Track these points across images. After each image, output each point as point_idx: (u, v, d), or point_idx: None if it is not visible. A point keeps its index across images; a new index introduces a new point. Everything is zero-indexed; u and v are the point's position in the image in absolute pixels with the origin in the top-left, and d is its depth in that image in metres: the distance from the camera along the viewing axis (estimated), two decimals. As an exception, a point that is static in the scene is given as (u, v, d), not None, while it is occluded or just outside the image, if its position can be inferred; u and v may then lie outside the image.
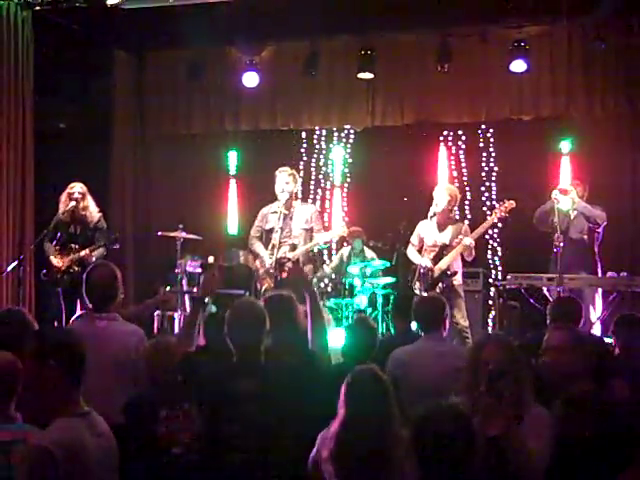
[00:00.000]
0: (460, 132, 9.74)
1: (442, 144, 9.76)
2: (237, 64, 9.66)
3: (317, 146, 10.31)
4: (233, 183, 10.38)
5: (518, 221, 8.51)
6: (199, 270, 8.54)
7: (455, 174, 9.72)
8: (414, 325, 5.63)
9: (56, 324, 6.94)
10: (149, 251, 9.94)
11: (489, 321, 8.80)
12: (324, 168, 10.27)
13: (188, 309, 8.86)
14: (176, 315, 8.31)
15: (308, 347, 4.00)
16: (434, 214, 7.51)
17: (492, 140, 9.68)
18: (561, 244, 7.25)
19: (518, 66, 8.63)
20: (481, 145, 9.72)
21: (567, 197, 7.48)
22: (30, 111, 8.35)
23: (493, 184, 9.55)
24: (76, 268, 7.06)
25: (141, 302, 8.05)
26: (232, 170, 10.38)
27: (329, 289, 8.79)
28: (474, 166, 9.72)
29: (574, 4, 8.32)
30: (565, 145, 8.38)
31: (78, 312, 6.48)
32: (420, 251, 7.66)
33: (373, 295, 8.35)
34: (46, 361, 2.75)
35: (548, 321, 5.11)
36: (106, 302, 4.35)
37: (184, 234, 8.35)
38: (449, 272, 7.34)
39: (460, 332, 7.07)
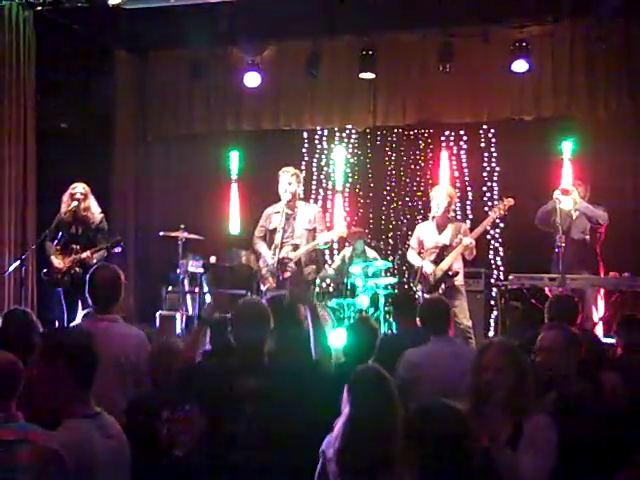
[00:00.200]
0: (462, 132, 9.73)
1: (443, 144, 9.75)
2: (239, 64, 9.66)
3: (319, 146, 10.31)
4: (234, 183, 10.38)
5: (520, 221, 8.52)
6: (201, 270, 8.55)
7: (456, 174, 9.71)
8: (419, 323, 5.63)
9: (57, 324, 6.94)
10: (151, 251, 9.93)
11: (491, 321, 8.81)
12: (326, 168, 10.27)
13: (189, 309, 8.89)
14: (177, 315, 8.31)
15: (311, 347, 4.00)
16: (434, 216, 7.52)
17: (494, 140, 9.67)
18: (563, 244, 7.24)
19: (520, 66, 8.63)
20: (482, 145, 9.71)
21: (569, 197, 7.47)
22: (32, 111, 8.36)
23: (495, 184, 9.54)
24: (77, 269, 7.05)
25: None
26: (233, 170, 10.38)
27: (331, 289, 8.79)
28: (475, 166, 9.72)
29: (576, 4, 8.32)
30: (567, 145, 8.37)
31: (79, 313, 6.47)
32: (420, 254, 7.66)
33: (375, 295, 8.35)
34: (55, 362, 2.75)
35: (545, 320, 5.10)
36: (108, 303, 4.35)
37: (186, 234, 8.35)
38: (450, 273, 7.33)
39: (463, 332, 7.06)
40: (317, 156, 10.31)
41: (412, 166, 10.01)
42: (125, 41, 9.83)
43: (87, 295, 4.36)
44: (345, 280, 8.53)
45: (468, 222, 8.33)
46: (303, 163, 10.05)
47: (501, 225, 9.44)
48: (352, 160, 10.22)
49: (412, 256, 7.73)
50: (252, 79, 9.48)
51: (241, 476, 3.25)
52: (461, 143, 9.77)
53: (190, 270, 8.71)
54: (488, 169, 9.68)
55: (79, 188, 7.36)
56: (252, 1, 8.40)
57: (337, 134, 10.21)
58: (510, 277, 7.60)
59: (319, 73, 9.37)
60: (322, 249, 7.96)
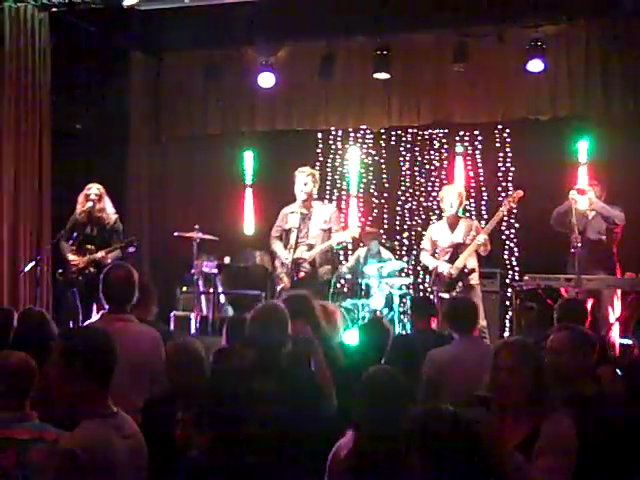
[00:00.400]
0: (476, 132, 9.69)
1: (458, 144, 9.71)
2: (253, 65, 9.66)
3: (333, 147, 10.30)
4: (249, 184, 10.38)
5: (535, 221, 8.49)
6: (215, 271, 8.56)
7: (471, 174, 9.68)
8: (434, 324, 5.62)
9: (73, 325, 6.96)
10: (165, 252, 9.95)
11: (506, 322, 8.77)
12: (340, 169, 10.26)
13: (204, 310, 8.90)
14: (192, 315, 8.32)
15: (328, 347, 4.00)
16: (448, 216, 7.54)
17: (509, 140, 9.63)
18: (579, 245, 7.20)
19: (535, 66, 8.58)
20: (497, 145, 9.67)
21: (585, 197, 7.43)
22: (47, 112, 8.39)
23: (509, 184, 9.49)
24: (92, 269, 7.08)
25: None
26: (248, 171, 10.38)
27: (345, 289, 8.78)
28: (490, 166, 9.68)
29: (591, 3, 8.27)
30: (583, 145, 8.32)
31: (94, 313, 6.49)
32: (434, 255, 7.65)
33: (389, 296, 8.33)
34: (73, 364, 2.77)
35: (555, 322, 5.09)
36: (123, 303, 4.35)
37: (200, 234, 8.35)
38: (466, 270, 7.34)
39: (479, 332, 7.03)
40: (331, 156, 10.29)
41: (426, 166, 9.99)
42: (140, 42, 9.86)
43: (101, 295, 4.36)
44: (359, 280, 8.52)
45: (483, 222, 8.30)
46: (317, 164, 10.04)
47: (516, 225, 9.41)
48: (366, 160, 10.20)
49: (426, 258, 7.73)
50: (266, 80, 9.48)
51: (255, 477, 3.25)
52: (476, 143, 9.73)
53: (204, 271, 8.72)
54: (503, 169, 9.64)
55: (94, 189, 7.39)
56: (266, 2, 8.40)
57: (351, 134, 10.18)
58: (525, 277, 7.56)
59: (333, 73, 9.36)
60: (336, 249, 7.95)
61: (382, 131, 9.97)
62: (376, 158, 10.19)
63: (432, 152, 9.96)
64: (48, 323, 4.11)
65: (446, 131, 9.85)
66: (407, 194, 10.04)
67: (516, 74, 8.86)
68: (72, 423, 2.76)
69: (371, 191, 10.18)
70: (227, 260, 8.85)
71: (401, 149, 10.08)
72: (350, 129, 10.10)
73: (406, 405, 3.13)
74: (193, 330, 8.16)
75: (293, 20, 8.78)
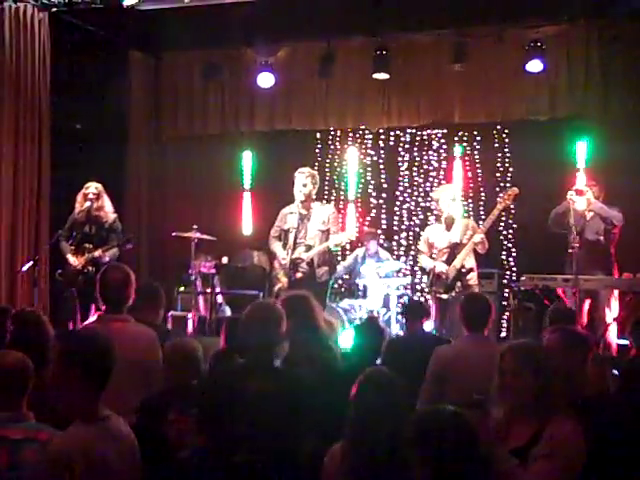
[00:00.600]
0: (475, 132, 9.70)
1: (457, 144, 9.72)
2: (252, 65, 9.67)
3: (332, 147, 10.30)
4: (247, 184, 10.39)
5: (533, 222, 8.49)
6: (213, 271, 8.56)
7: (470, 174, 9.68)
8: (428, 325, 5.64)
9: (71, 325, 6.96)
10: (164, 252, 9.96)
11: (503, 322, 8.77)
12: (339, 169, 10.26)
13: (202, 310, 8.91)
14: (190, 315, 8.33)
15: (325, 347, 4.01)
16: (445, 217, 7.55)
17: (507, 140, 9.63)
18: (577, 245, 7.20)
19: (534, 66, 8.59)
20: (496, 145, 9.67)
21: (583, 198, 7.42)
22: (46, 111, 8.41)
23: (508, 185, 9.49)
24: (90, 268, 7.09)
25: None
26: (246, 171, 10.39)
27: (343, 290, 8.79)
28: (489, 167, 9.68)
29: (591, 4, 8.27)
30: (581, 146, 8.33)
31: (92, 313, 6.49)
32: (431, 256, 7.66)
33: (387, 296, 8.34)
34: (72, 367, 2.79)
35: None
36: (120, 304, 4.35)
37: (198, 234, 8.36)
38: (464, 270, 7.35)
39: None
40: (330, 156, 10.30)
41: (425, 166, 9.99)
42: (139, 42, 9.87)
43: (98, 296, 4.37)
44: (357, 281, 8.53)
45: (480, 223, 8.30)
46: (316, 164, 10.04)
47: (514, 226, 9.41)
48: (365, 160, 10.20)
49: (424, 260, 7.74)
50: (266, 80, 9.49)
51: (248, 476, 3.25)
52: (475, 143, 9.73)
53: (202, 271, 8.73)
54: (502, 169, 9.64)
55: (92, 188, 7.41)
56: (266, 2, 8.41)
57: (350, 135, 10.19)
58: (523, 278, 7.56)
59: (333, 74, 9.36)
60: (334, 251, 7.96)
61: (381, 131, 9.98)
62: (375, 158, 10.20)
63: (431, 152, 9.96)
64: (43, 323, 4.11)
65: (445, 131, 9.86)
66: (405, 194, 10.05)
67: (515, 74, 8.87)
68: (64, 423, 2.77)
69: (369, 191, 10.18)
70: (225, 260, 8.85)
71: (400, 149, 10.09)
72: (349, 129, 10.10)
73: (401, 406, 3.14)
74: (190, 330, 8.17)
75: (292, 20, 8.78)
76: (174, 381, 3.94)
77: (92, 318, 4.94)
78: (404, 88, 9.43)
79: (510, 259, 9.48)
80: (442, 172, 9.86)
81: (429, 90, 9.38)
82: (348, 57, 9.52)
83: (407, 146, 10.07)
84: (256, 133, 10.18)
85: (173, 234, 8.56)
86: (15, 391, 3.18)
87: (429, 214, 9.73)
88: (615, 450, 3.31)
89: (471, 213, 9.27)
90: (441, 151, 9.93)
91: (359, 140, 10.19)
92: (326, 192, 10.13)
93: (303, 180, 7.39)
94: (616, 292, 7.39)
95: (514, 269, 9.35)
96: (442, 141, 9.91)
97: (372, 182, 10.19)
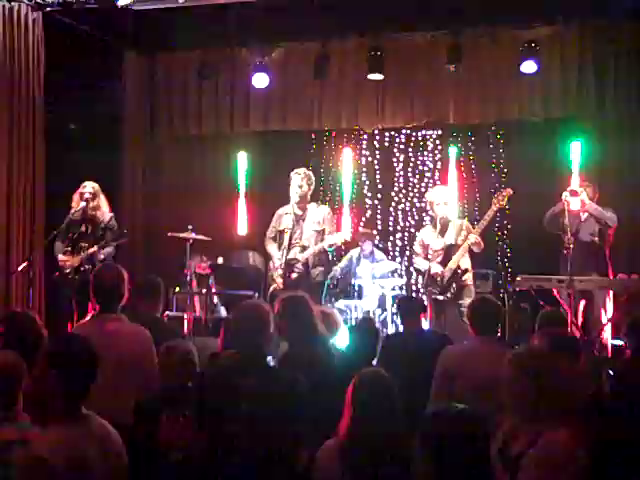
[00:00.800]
0: (470, 133, 9.70)
1: (452, 145, 9.71)
2: (247, 65, 9.66)
3: (326, 147, 10.29)
4: (242, 184, 10.36)
5: (528, 222, 8.50)
6: (208, 271, 8.55)
7: (464, 175, 9.68)
8: (425, 324, 5.64)
9: (69, 326, 6.94)
10: (159, 252, 9.94)
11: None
12: (333, 169, 10.25)
13: (197, 310, 8.89)
14: (185, 316, 8.31)
15: (323, 348, 4.01)
16: (441, 218, 7.55)
17: (502, 141, 9.64)
18: (571, 246, 7.21)
19: (529, 67, 8.58)
20: (491, 146, 9.68)
21: (577, 199, 7.44)
22: (40, 112, 8.38)
23: (503, 185, 9.49)
24: (86, 266, 7.09)
25: None
26: (241, 171, 10.36)
27: (338, 290, 8.78)
28: (484, 167, 9.69)
29: (585, 5, 8.28)
30: (576, 146, 8.34)
31: (89, 313, 6.48)
32: (426, 257, 7.66)
33: (382, 296, 8.34)
34: (49, 369, 2.80)
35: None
36: (113, 303, 4.36)
37: (193, 235, 8.35)
38: (460, 271, 7.36)
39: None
40: (325, 157, 10.29)
41: (420, 167, 10.00)
42: (134, 42, 9.84)
43: (92, 295, 4.37)
44: (352, 281, 8.52)
45: (476, 223, 8.31)
46: (310, 164, 10.02)
47: (509, 226, 9.42)
48: (360, 161, 10.20)
49: (419, 261, 7.76)
50: (260, 80, 9.47)
51: (240, 476, 3.25)
52: (469, 144, 9.73)
53: (198, 271, 8.71)
54: (496, 170, 9.65)
55: (88, 187, 7.42)
56: (260, 2, 8.40)
57: (345, 135, 10.18)
58: (518, 279, 7.57)
59: (327, 74, 9.35)
60: (329, 252, 7.96)
61: (376, 132, 9.97)
62: (370, 159, 10.20)
63: (425, 153, 9.97)
64: (36, 324, 4.10)
65: (440, 132, 9.87)
66: (400, 195, 10.05)
67: (510, 75, 8.87)
68: (43, 425, 2.79)
69: (364, 192, 10.18)
70: (220, 261, 8.84)
71: (395, 150, 10.09)
72: (344, 129, 10.09)
73: (395, 407, 3.15)
74: (186, 331, 8.15)
75: (287, 20, 8.77)
76: (168, 382, 3.93)
77: (87, 318, 4.95)
78: (399, 89, 9.42)
79: (505, 260, 9.48)
80: (437, 173, 9.86)
81: (424, 91, 9.36)
82: (343, 58, 9.50)
83: (402, 147, 10.07)
84: (251, 133, 10.16)
85: (168, 234, 8.54)
86: (7, 391, 3.17)
87: (424, 215, 9.73)
88: (612, 451, 3.31)
89: (466, 214, 9.28)
90: (436, 152, 9.94)
91: (354, 140, 10.19)
92: (321, 193, 10.13)
93: (299, 181, 7.41)
94: (611, 293, 7.41)
95: (509, 270, 9.36)
96: (437, 142, 9.92)
97: (367, 183, 10.19)
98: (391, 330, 8.10)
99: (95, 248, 7.12)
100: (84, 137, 9.35)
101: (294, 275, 7.26)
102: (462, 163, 9.67)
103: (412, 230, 9.66)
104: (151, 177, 10.39)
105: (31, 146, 8.24)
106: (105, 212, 7.43)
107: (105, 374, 3.97)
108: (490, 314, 4.75)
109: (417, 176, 10.01)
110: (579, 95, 8.76)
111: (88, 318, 4.53)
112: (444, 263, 7.42)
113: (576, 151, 8.32)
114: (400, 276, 9.04)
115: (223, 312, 8.96)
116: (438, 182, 9.56)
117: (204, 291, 8.71)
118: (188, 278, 8.55)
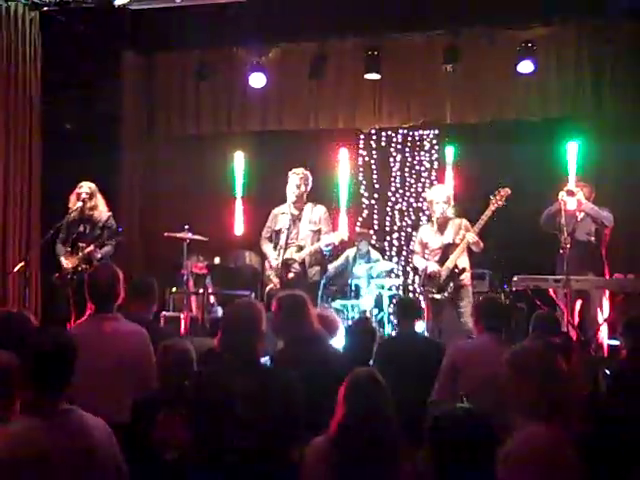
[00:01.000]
0: (467, 133, 9.70)
1: (448, 145, 9.72)
2: (244, 65, 9.66)
3: (323, 147, 10.28)
4: (239, 184, 10.37)
5: (525, 222, 8.50)
6: (205, 271, 8.55)
7: (462, 175, 9.68)
8: (420, 326, 5.65)
9: (67, 326, 6.94)
10: (156, 252, 9.94)
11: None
12: (330, 169, 10.23)
13: (194, 310, 8.89)
14: (182, 316, 8.31)
15: (319, 348, 4.01)
16: (438, 217, 7.55)
17: (499, 141, 9.63)
18: (568, 246, 7.21)
19: (526, 67, 8.59)
20: (488, 146, 9.66)
21: (574, 198, 7.44)
22: (37, 112, 8.38)
23: (500, 185, 9.48)
24: (84, 266, 7.08)
25: None
26: (238, 171, 10.37)
27: (335, 290, 8.79)
28: (481, 167, 9.68)
29: (582, 5, 8.29)
30: (573, 146, 8.34)
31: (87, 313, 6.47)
32: (424, 256, 7.66)
33: (379, 296, 8.34)
34: (24, 361, 2.88)
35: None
36: (109, 303, 4.36)
37: (190, 235, 8.35)
38: (457, 270, 7.36)
39: (468, 333, 7.03)
40: (322, 157, 10.28)
41: (417, 167, 10.00)
42: (131, 42, 9.83)
43: (87, 295, 4.37)
44: (349, 281, 8.53)
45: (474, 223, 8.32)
46: (307, 164, 10.01)
47: (506, 226, 9.40)
48: (357, 161, 10.20)
49: (417, 260, 7.76)
50: (257, 80, 9.47)
51: (235, 476, 3.25)
52: (466, 144, 9.73)
53: (194, 271, 8.71)
54: (493, 170, 9.62)
55: (85, 188, 7.42)
56: (258, 2, 8.40)
57: (342, 135, 10.18)
58: (514, 278, 7.57)
59: (324, 74, 9.36)
60: (326, 252, 7.96)
61: (373, 132, 9.98)
62: (366, 159, 10.20)
63: (422, 153, 9.98)
64: (30, 324, 4.10)
65: (436, 132, 9.87)
66: (397, 195, 10.06)
67: (507, 75, 8.87)
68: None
69: (361, 191, 10.19)
70: (217, 261, 8.84)
71: (391, 150, 10.10)
72: (341, 129, 10.08)
73: (387, 407, 3.16)
74: (183, 331, 8.16)
75: (284, 20, 8.78)
76: (165, 382, 3.93)
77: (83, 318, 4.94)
78: (396, 89, 9.42)
79: (502, 260, 9.47)
80: (434, 173, 9.87)
81: (421, 91, 9.37)
82: (340, 58, 9.50)
83: (399, 147, 10.09)
84: (248, 133, 10.16)
85: (165, 234, 8.54)
86: (2, 391, 3.16)
87: (421, 214, 9.74)
88: (608, 449, 3.32)
89: (462, 214, 9.26)
90: (433, 152, 9.95)
91: (351, 140, 10.18)
92: (318, 193, 10.11)
93: (297, 181, 7.41)
94: (607, 293, 7.42)
95: (506, 270, 9.34)
96: (434, 142, 9.92)
97: (364, 182, 10.19)
98: (387, 330, 8.11)
99: (92, 247, 7.10)
100: (81, 137, 9.34)
101: (291, 275, 7.26)
102: (459, 163, 9.68)
103: (409, 230, 9.67)
104: (148, 177, 10.38)
105: (28, 146, 8.25)
106: (103, 211, 7.43)
107: (103, 373, 4.01)
108: (497, 311, 4.80)
109: (414, 176, 10.02)
110: (576, 95, 8.77)
111: (84, 317, 4.51)
112: (442, 262, 7.42)
113: (573, 151, 8.33)
114: (397, 276, 9.04)
115: (220, 312, 8.96)
116: (435, 182, 9.56)
117: (201, 291, 8.72)
118: (185, 278, 8.56)
